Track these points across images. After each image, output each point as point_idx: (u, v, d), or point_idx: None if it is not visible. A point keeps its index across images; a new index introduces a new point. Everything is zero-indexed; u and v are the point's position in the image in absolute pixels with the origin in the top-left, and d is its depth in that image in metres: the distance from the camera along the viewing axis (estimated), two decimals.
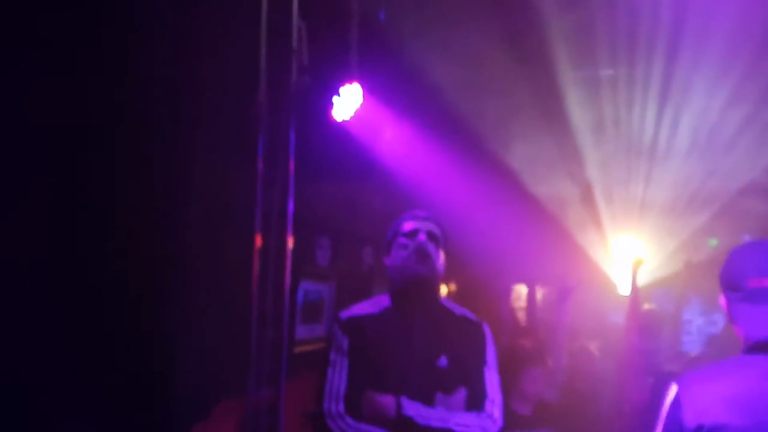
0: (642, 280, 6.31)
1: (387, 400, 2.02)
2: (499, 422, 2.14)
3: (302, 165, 2.88)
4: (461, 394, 2.14)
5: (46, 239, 2.47)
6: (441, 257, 2.28)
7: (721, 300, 1.81)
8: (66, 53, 2.50)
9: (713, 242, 6.12)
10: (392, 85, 3.26)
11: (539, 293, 7.33)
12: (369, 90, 2.93)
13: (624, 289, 6.36)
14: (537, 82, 4.25)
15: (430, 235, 2.26)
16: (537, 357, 3.54)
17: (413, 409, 2.01)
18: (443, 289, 6.91)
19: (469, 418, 2.08)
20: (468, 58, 3.68)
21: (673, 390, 1.77)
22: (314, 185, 3.18)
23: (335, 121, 2.95)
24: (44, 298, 2.42)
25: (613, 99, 4.72)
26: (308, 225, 3.50)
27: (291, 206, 2.77)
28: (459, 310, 2.34)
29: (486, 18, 3.65)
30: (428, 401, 2.08)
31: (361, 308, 2.32)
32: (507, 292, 7.23)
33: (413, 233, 2.26)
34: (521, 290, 7.28)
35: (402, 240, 2.27)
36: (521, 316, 7.11)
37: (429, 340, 2.19)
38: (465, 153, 4.29)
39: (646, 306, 5.37)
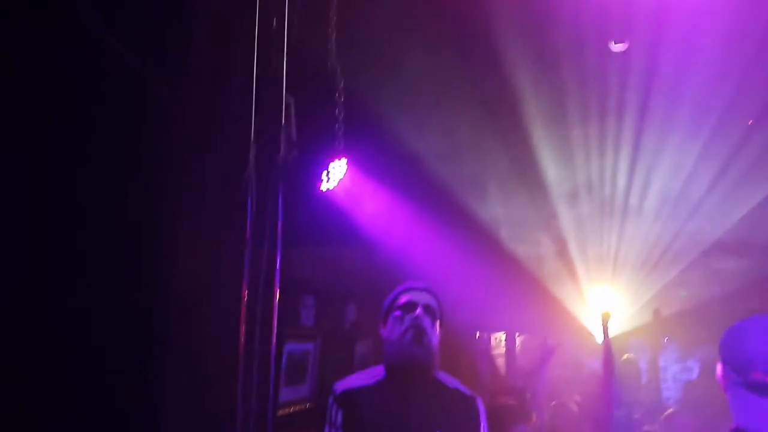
0: (617, 329, 6.46)
1: None
2: None
3: (289, 232, 2.95)
4: None
5: (22, 306, 2.45)
6: (437, 330, 2.30)
7: (719, 370, 1.78)
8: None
9: (683, 294, 6.29)
10: (374, 155, 3.38)
11: (518, 340, 7.43)
12: (353, 161, 3.05)
13: (600, 339, 6.49)
14: (512, 145, 4.42)
15: (427, 309, 2.28)
16: (523, 415, 3.63)
17: None
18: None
19: None
20: (446, 125, 3.83)
21: None
22: (299, 249, 3.25)
23: (321, 191, 3.05)
24: (21, 377, 2.39)
25: (586, 159, 4.90)
26: (293, 285, 3.56)
27: (278, 274, 2.83)
28: (452, 383, 2.35)
29: (461, 85, 3.82)
30: None
31: (355, 380, 2.32)
32: (487, 341, 7.32)
33: (409, 306, 2.27)
34: (501, 338, 7.37)
35: (398, 313, 2.28)
36: (501, 362, 7.19)
37: (424, 415, 2.20)
38: (445, 215, 4.41)
39: (625, 357, 5.47)
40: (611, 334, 6.33)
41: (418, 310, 2.24)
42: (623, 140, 4.91)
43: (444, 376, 2.35)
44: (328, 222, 3.16)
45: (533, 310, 6.62)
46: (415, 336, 2.20)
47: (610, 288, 6.20)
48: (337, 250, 3.81)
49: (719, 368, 1.81)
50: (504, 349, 7.28)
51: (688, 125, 4.69)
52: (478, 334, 7.28)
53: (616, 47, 4.57)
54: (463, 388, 2.33)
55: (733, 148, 4.73)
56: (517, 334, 7.34)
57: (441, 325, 2.33)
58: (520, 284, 6.06)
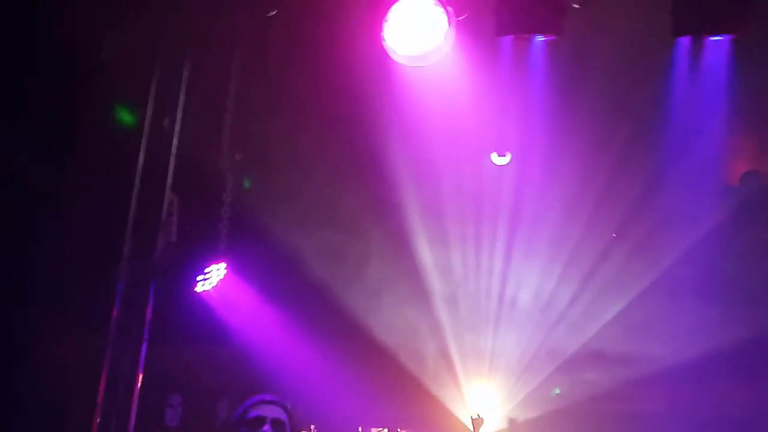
0: (493, 428, 6.62)
1: None
2: None
3: (158, 330, 2.90)
4: None
5: None
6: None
7: None
8: None
9: (557, 390, 6.58)
10: (256, 259, 3.45)
11: None
12: (233, 264, 3.09)
13: None
14: (394, 249, 4.64)
15: (275, 424, 2.22)
16: None
17: None
18: None
19: None
20: (329, 228, 3.99)
21: None
22: (169, 347, 3.19)
23: (196, 291, 3.04)
24: None
25: (464, 267, 5.20)
26: (158, 385, 3.45)
27: (141, 372, 2.75)
28: None
29: (344, 190, 4.02)
30: None
31: None
32: None
33: (257, 422, 2.21)
34: None
35: (245, 429, 2.22)
36: None
37: None
38: (326, 319, 4.50)
39: None
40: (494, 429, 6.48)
41: (266, 427, 2.19)
42: (497, 246, 5.26)
43: None
44: (201, 321, 3.13)
45: (414, 407, 6.68)
46: None
47: (487, 387, 6.40)
48: (209, 348, 3.74)
49: None
50: None
51: (555, 236, 5.11)
52: (360, 430, 7.21)
53: (500, 159, 4.96)
54: None
55: (596, 258, 5.19)
56: (398, 430, 7.32)
57: None
58: (401, 383, 6.15)
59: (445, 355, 6.12)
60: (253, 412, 2.25)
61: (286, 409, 2.31)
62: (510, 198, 4.99)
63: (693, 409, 5.99)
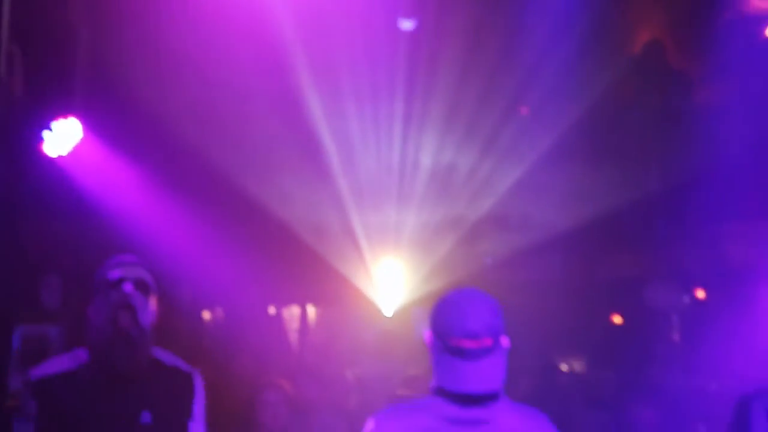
0: (402, 300, 6.81)
1: None
2: None
3: (16, 200, 2.58)
4: None
5: None
6: (151, 306, 2.14)
7: (426, 335, 1.85)
8: None
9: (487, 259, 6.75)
10: (117, 120, 3.06)
11: (311, 314, 7.54)
12: (91, 126, 2.73)
13: (387, 311, 6.81)
14: (287, 113, 4.33)
15: (138, 284, 2.11)
16: (270, 383, 3.53)
17: None
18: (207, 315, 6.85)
19: None
20: (197, 84, 3.58)
21: (369, 426, 1.85)
22: (35, 222, 2.87)
23: (51, 156, 2.69)
24: None
25: (363, 132, 5.01)
26: (32, 263, 3.16)
27: None
28: (171, 360, 2.22)
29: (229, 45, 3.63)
30: None
31: (54, 365, 2.11)
32: (281, 315, 7.31)
33: (118, 283, 2.09)
34: (294, 312, 7.41)
35: (106, 291, 2.09)
36: (294, 337, 7.24)
37: (131, 396, 2.06)
38: (226, 196, 4.24)
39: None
40: (396, 306, 6.67)
41: (128, 287, 2.07)
42: (396, 117, 5.08)
43: (162, 354, 2.22)
44: (62, 191, 2.80)
45: (323, 285, 6.73)
46: (124, 313, 2.03)
47: (392, 262, 6.50)
48: (85, 224, 3.41)
49: (427, 334, 1.93)
50: (298, 323, 7.34)
51: (454, 105, 4.96)
52: (272, 309, 7.26)
53: (405, 24, 4.68)
54: (182, 364, 2.22)
55: (494, 126, 5.13)
56: (309, 307, 7.43)
57: (159, 300, 2.19)
58: (307, 261, 6.11)
59: (348, 231, 6.07)
60: (113, 273, 2.12)
61: (149, 270, 2.18)
62: (407, 68, 4.76)
63: (586, 275, 6.39)
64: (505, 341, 1.79)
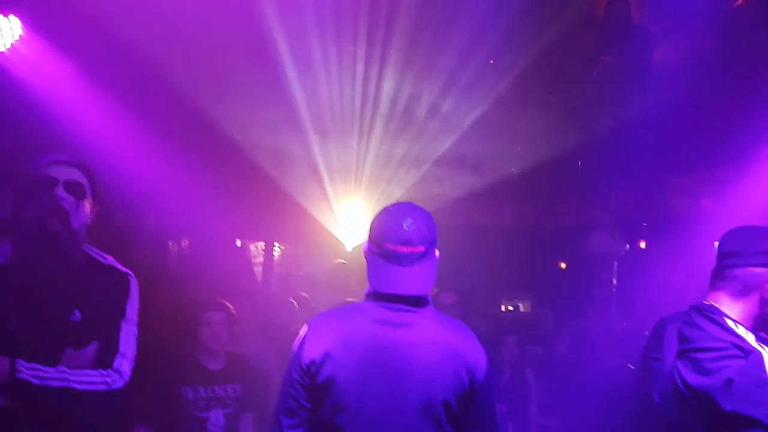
0: (362, 236, 7.01)
1: (0, 363, 1.80)
2: (126, 376, 2.03)
3: None
4: (92, 349, 1.99)
5: None
6: (84, 208, 2.04)
7: (365, 246, 2.03)
8: None
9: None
10: (59, 17, 2.87)
11: (277, 250, 7.74)
12: (31, 23, 2.57)
13: (350, 246, 7.03)
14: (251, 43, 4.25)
15: (70, 186, 2.00)
16: (213, 302, 3.56)
17: (29, 370, 1.83)
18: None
19: (94, 375, 1.95)
20: None
21: (303, 330, 1.98)
22: None
23: None
24: None
25: (327, 70, 5.02)
26: None
27: None
28: (107, 260, 2.15)
29: None
30: (55, 358, 1.91)
31: None
32: (247, 249, 7.49)
33: (49, 184, 1.98)
34: (260, 246, 7.59)
35: (35, 190, 1.98)
36: (258, 270, 7.43)
37: (61, 293, 1.99)
38: (172, 113, 4.15)
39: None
40: (357, 243, 6.87)
41: (60, 191, 1.98)
42: (358, 58, 5.08)
43: (97, 253, 2.15)
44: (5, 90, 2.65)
45: (288, 223, 6.88)
46: (54, 219, 1.95)
47: (355, 199, 6.67)
48: (36, 132, 3.24)
49: (365, 244, 2.06)
50: (263, 258, 7.53)
51: (411, 48, 4.98)
52: (239, 243, 7.42)
53: None
54: (118, 264, 2.15)
55: (454, 66, 5.18)
56: (276, 244, 7.62)
57: (95, 203, 2.10)
58: (274, 196, 6.22)
59: (311, 165, 6.16)
60: (44, 172, 2.00)
61: (85, 170, 2.08)
62: (369, 10, 4.74)
63: (535, 221, 6.63)
64: (436, 252, 1.97)
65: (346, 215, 6.71)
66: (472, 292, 5.86)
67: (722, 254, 2.16)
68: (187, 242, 6.20)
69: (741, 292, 2.08)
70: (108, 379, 1.97)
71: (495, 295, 6.68)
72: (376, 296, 1.96)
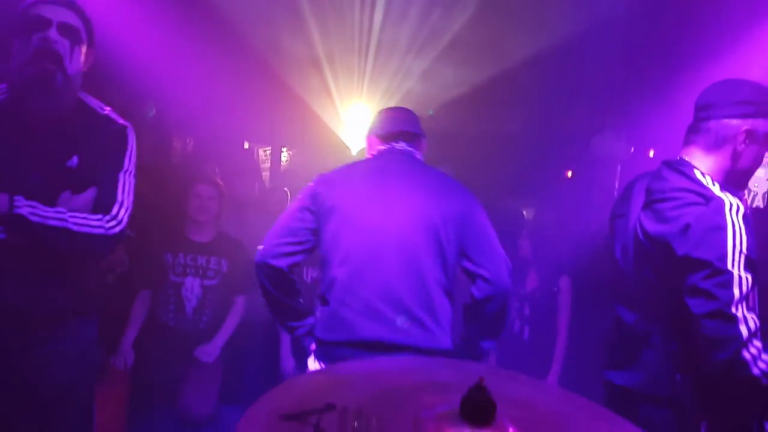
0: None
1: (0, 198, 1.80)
2: (124, 223, 2.04)
3: None
4: (89, 195, 2.00)
5: None
6: (79, 54, 1.99)
7: (367, 137, 2.45)
8: None
9: (430, 111, 6.80)
10: None
11: (284, 155, 7.70)
12: None
13: (355, 150, 6.96)
14: None
15: (64, 28, 1.93)
16: (204, 176, 3.65)
17: (27, 207, 1.83)
18: None
19: (92, 219, 1.95)
20: None
21: (310, 184, 2.28)
22: None
23: None
24: None
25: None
26: None
27: None
28: (104, 109, 2.12)
29: None
30: (52, 200, 1.91)
31: None
32: (253, 150, 7.46)
33: (41, 24, 1.90)
34: (268, 151, 7.56)
35: (27, 30, 1.90)
36: (266, 175, 7.44)
37: (58, 138, 1.96)
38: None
39: None
40: (361, 146, 6.79)
41: (53, 33, 1.90)
42: None
43: (94, 101, 2.12)
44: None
45: (296, 125, 6.81)
46: (46, 62, 1.89)
47: (363, 103, 6.55)
48: None
49: (368, 136, 2.48)
50: (270, 162, 7.52)
51: None
52: (247, 145, 7.39)
53: None
54: (115, 115, 2.13)
55: None
56: (283, 149, 7.58)
57: (90, 50, 2.05)
58: (285, 100, 6.13)
59: (317, 67, 6.03)
60: (35, 11, 1.93)
61: (81, 15, 2.02)
62: None
63: (543, 129, 6.45)
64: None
65: (351, 118, 6.60)
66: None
67: (697, 107, 2.06)
68: (192, 140, 6.17)
69: (713, 145, 1.99)
70: (106, 224, 1.98)
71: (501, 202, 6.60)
72: (380, 139, 2.37)
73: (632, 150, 5.38)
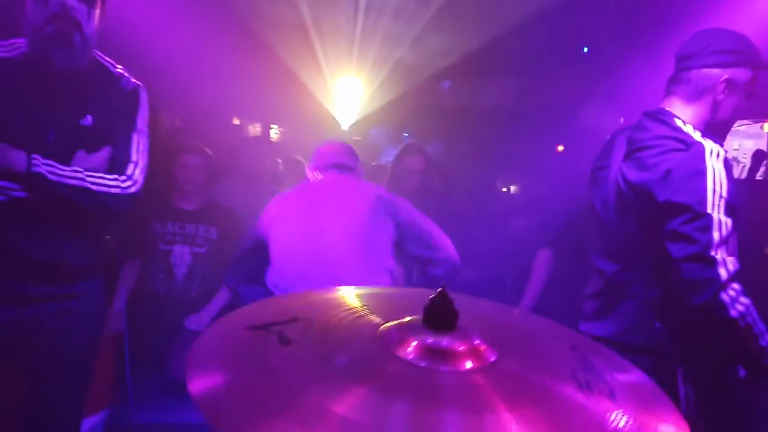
0: (359, 115, 6.90)
1: (17, 156, 1.82)
2: (140, 184, 2.07)
3: None
4: (104, 154, 2.01)
5: None
6: (95, 15, 1.99)
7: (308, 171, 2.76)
8: None
9: (405, 134, 6.77)
10: None
11: (276, 131, 7.66)
12: None
13: (345, 125, 6.95)
14: None
15: None
16: (193, 147, 3.65)
17: (45, 166, 1.85)
18: None
19: (108, 179, 1.98)
20: None
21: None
22: None
23: None
24: None
25: None
26: None
27: None
28: (117, 68, 2.14)
29: None
30: (66, 159, 1.93)
31: None
32: (243, 126, 7.41)
33: None
34: (257, 127, 7.52)
35: None
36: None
37: (73, 96, 1.99)
38: None
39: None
40: (356, 118, 6.78)
41: None
42: None
43: (108, 61, 2.13)
44: None
45: (286, 100, 6.75)
46: (63, 25, 1.90)
47: (354, 76, 6.51)
48: None
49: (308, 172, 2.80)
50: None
51: None
52: (238, 121, 7.35)
53: None
54: (128, 75, 2.14)
55: None
56: (274, 126, 7.54)
57: (103, 6, 2.04)
58: (274, 73, 6.07)
59: (305, 37, 5.96)
60: None
61: None
62: None
63: (535, 100, 6.44)
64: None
65: (341, 91, 6.56)
66: (464, 172, 5.81)
67: (678, 58, 2.06)
68: (179, 117, 6.11)
69: (694, 95, 2.00)
70: (122, 184, 2.01)
71: (491, 178, 6.61)
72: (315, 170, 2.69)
73: (622, 121, 5.36)
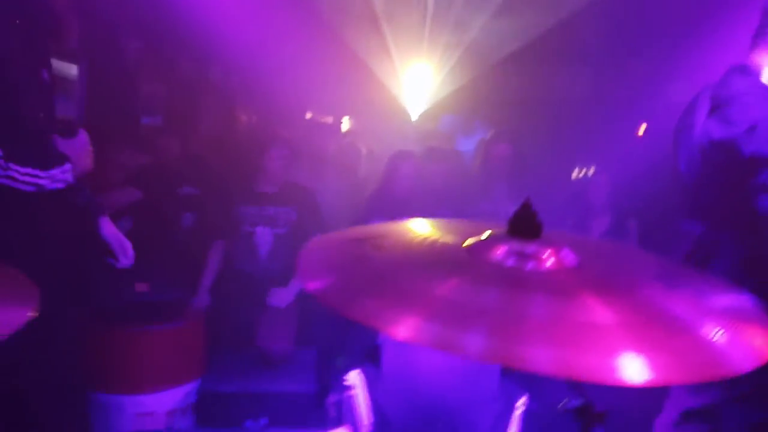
0: (428, 103, 6.93)
1: None
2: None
3: None
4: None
5: None
6: None
7: None
8: None
9: None
10: None
11: (347, 124, 7.81)
12: None
13: (415, 116, 7.00)
14: None
15: None
16: (280, 140, 3.87)
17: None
18: None
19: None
20: None
21: None
22: None
23: None
24: None
25: None
26: None
27: None
28: None
29: None
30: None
31: None
32: (316, 119, 7.59)
33: None
34: (329, 121, 7.68)
35: None
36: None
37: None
38: None
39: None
40: (424, 106, 6.82)
41: None
42: None
43: None
44: None
45: (358, 92, 6.88)
46: None
47: (425, 64, 6.55)
48: None
49: None
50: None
51: None
52: (310, 115, 7.54)
53: None
54: None
55: None
56: (346, 118, 7.68)
57: None
58: (346, 65, 6.20)
59: (375, 24, 6.04)
60: None
61: None
62: None
63: (611, 91, 6.25)
64: None
65: (411, 79, 6.60)
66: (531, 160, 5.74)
67: (765, 11, 2.00)
68: (256, 117, 6.36)
69: None
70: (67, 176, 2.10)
71: (569, 165, 6.47)
72: None
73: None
